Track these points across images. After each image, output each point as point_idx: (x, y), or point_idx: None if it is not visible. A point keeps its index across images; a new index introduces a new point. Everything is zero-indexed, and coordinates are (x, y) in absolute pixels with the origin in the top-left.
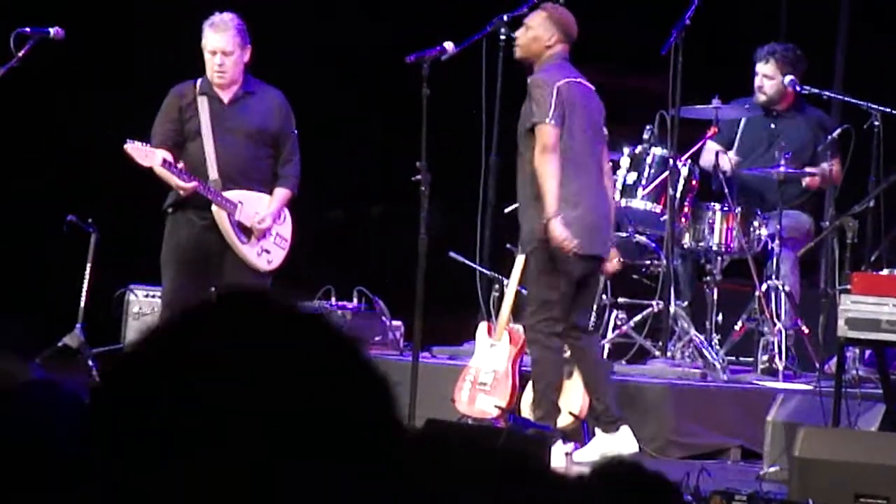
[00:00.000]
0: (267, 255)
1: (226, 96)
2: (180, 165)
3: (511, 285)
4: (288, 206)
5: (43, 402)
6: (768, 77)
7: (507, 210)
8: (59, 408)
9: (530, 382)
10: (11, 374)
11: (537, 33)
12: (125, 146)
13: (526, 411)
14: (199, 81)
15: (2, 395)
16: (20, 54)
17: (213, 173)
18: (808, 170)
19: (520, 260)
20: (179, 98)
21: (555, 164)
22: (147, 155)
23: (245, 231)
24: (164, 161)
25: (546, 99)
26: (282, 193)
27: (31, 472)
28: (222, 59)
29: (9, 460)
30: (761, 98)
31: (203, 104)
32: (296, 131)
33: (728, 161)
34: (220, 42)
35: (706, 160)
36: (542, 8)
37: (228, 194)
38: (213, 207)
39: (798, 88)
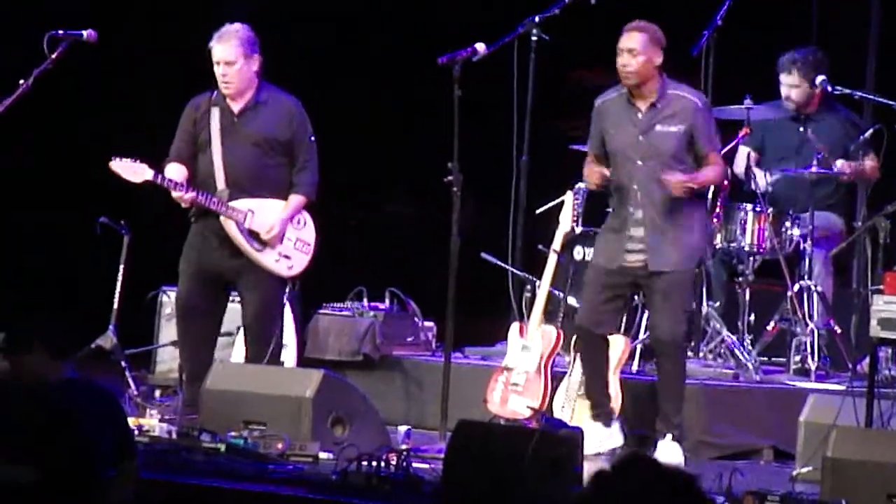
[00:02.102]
0: (287, 260)
1: (236, 107)
2: (169, 176)
3: (543, 286)
4: (310, 211)
5: (78, 399)
6: (794, 86)
7: (538, 211)
8: (94, 405)
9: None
10: (42, 373)
11: (649, 56)
12: (110, 164)
13: (557, 412)
14: (214, 93)
15: (37, 387)
16: (53, 56)
17: (220, 183)
18: (839, 163)
19: (552, 260)
20: (194, 110)
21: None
22: (135, 171)
23: (258, 238)
24: (156, 174)
25: (714, 122)
26: (295, 200)
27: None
28: (225, 69)
29: (45, 446)
30: (790, 106)
31: (215, 115)
32: (313, 138)
33: (762, 177)
34: (223, 53)
35: (739, 166)
36: (640, 29)
37: (238, 203)
38: (221, 218)
39: (829, 89)
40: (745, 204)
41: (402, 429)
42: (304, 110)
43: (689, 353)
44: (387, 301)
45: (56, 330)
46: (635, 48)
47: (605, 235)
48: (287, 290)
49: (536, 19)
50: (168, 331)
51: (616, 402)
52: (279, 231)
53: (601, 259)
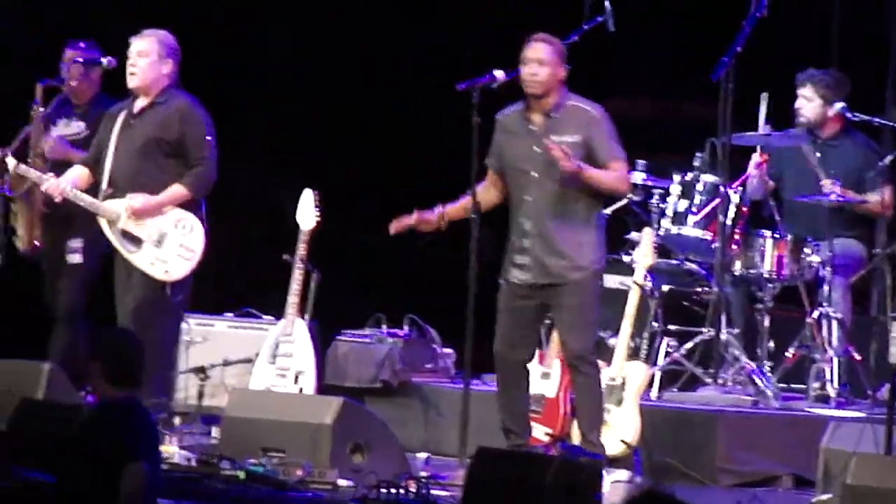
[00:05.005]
0: (164, 265)
1: (137, 107)
2: (69, 177)
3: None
4: (200, 218)
5: (122, 416)
6: (806, 99)
7: None
8: (135, 421)
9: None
10: (99, 392)
11: (554, 69)
12: None
13: (577, 439)
14: (129, 99)
15: (70, 406)
16: (73, 84)
17: (104, 184)
18: (861, 197)
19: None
20: (109, 116)
21: None
22: None
23: (133, 240)
24: (17, 166)
25: (616, 134)
26: (174, 189)
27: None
28: (136, 59)
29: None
30: (801, 121)
31: (120, 118)
32: (209, 138)
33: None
34: (139, 44)
35: (751, 186)
36: (547, 41)
37: (114, 202)
38: (98, 217)
39: (848, 115)
40: (763, 231)
41: (422, 456)
42: (203, 111)
43: (708, 380)
44: (406, 327)
45: (119, 357)
46: (543, 58)
47: (508, 251)
48: (166, 293)
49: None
50: (188, 358)
51: (635, 430)
52: (143, 206)
53: (507, 275)
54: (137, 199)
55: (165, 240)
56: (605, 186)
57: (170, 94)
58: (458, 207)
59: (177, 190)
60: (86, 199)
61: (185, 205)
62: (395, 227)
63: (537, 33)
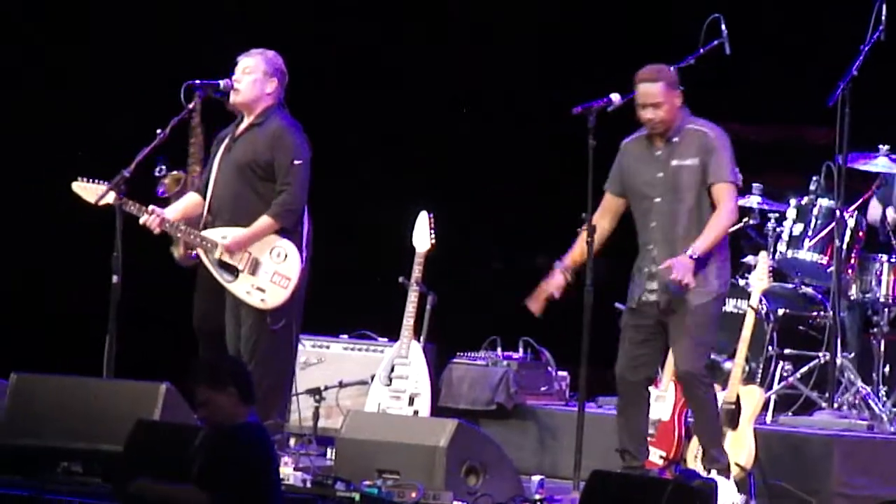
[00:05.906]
0: (260, 293)
1: (239, 129)
2: (177, 207)
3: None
4: (297, 244)
5: (254, 439)
6: None
7: None
8: (266, 444)
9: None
10: (232, 414)
11: (671, 101)
12: (73, 185)
13: (691, 462)
14: (234, 123)
15: (224, 431)
16: (190, 106)
17: (205, 211)
18: None
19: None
20: (218, 138)
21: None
22: (97, 194)
23: (229, 268)
24: (118, 198)
25: (732, 158)
26: (261, 221)
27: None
28: (240, 75)
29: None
30: None
31: (224, 142)
32: (297, 162)
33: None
34: (245, 61)
35: (872, 214)
36: (654, 80)
37: (212, 232)
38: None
39: None
40: (880, 255)
41: (536, 478)
42: (298, 134)
43: (823, 404)
44: (521, 350)
45: (249, 375)
46: (658, 100)
47: (635, 275)
48: (267, 322)
49: (672, 69)
50: (303, 379)
51: (750, 453)
52: (233, 243)
53: (633, 297)
54: (229, 238)
55: (260, 268)
56: (722, 233)
57: (269, 115)
58: (575, 254)
59: (264, 221)
60: (182, 230)
61: (285, 229)
62: (535, 306)
63: (643, 70)
